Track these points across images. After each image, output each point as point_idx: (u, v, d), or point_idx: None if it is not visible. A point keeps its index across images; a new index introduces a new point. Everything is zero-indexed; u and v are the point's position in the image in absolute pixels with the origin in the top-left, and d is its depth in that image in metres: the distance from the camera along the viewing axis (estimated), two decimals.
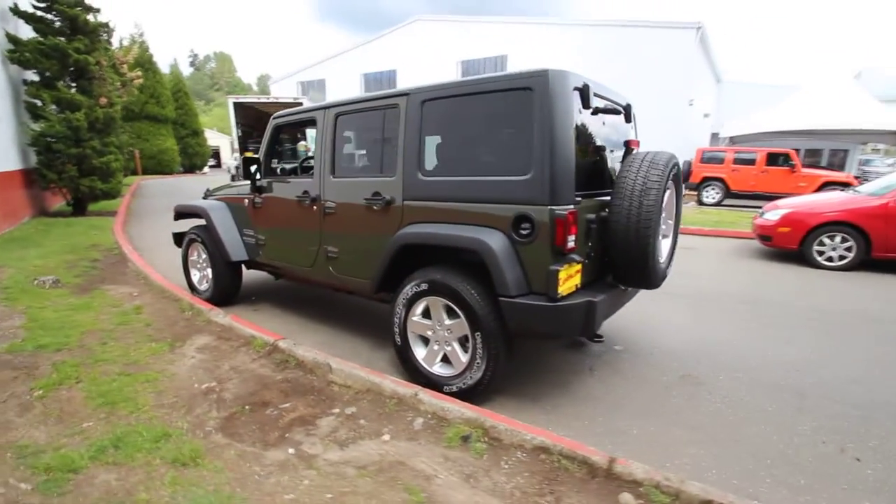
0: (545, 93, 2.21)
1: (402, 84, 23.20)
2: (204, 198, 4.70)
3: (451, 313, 2.60)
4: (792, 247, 6.02)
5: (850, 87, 13.34)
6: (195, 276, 4.62)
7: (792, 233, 5.98)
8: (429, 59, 21.51)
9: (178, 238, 4.72)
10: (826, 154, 21.81)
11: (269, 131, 3.74)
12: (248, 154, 3.78)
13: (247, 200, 3.98)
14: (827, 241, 5.78)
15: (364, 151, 3.23)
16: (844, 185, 10.61)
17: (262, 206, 3.80)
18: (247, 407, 2.55)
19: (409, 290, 2.69)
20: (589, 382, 2.95)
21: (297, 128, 4.72)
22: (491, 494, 1.88)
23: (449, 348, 2.65)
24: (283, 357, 3.09)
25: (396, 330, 2.81)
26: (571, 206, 2.23)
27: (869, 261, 5.63)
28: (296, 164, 4.12)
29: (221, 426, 2.37)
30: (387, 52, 23.28)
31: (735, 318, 4.16)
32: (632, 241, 2.39)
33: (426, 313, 2.72)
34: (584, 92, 2.35)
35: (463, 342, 2.61)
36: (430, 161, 2.67)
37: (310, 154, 15.57)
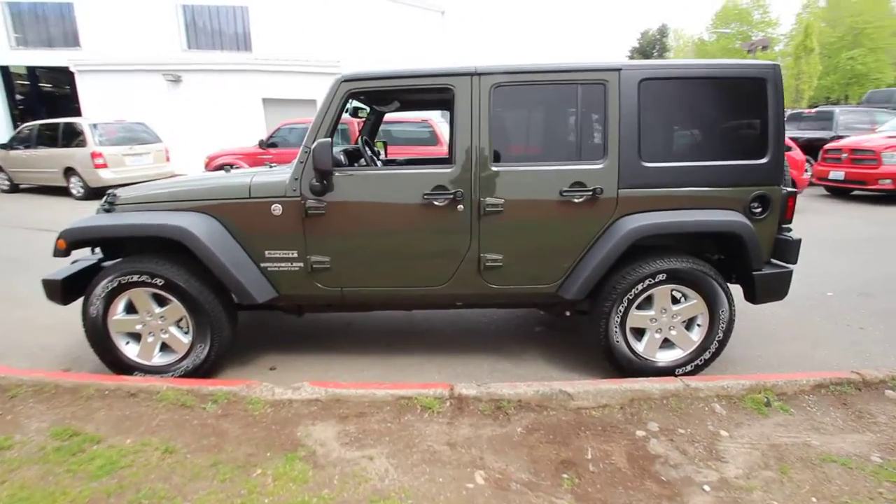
0: (777, 84, 2.47)
1: (85, 21, 16.80)
2: (107, 209, 2.70)
3: (675, 299, 2.63)
4: None
5: None
6: (131, 347, 2.70)
7: None
8: None
9: (70, 286, 2.61)
10: None
11: (335, 101, 2.48)
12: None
13: (278, 207, 2.56)
14: None
15: (545, 133, 2.63)
16: None
17: (329, 213, 2.55)
18: (565, 476, 1.95)
19: (638, 285, 2.53)
20: None
21: (394, 97, 3.11)
22: (850, 433, 2.21)
23: (674, 332, 2.68)
24: (486, 406, 2.37)
25: (616, 330, 2.61)
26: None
27: None
28: (350, 147, 2.84)
29: None
30: None
31: None
32: None
33: (643, 305, 2.64)
34: None
35: (684, 323, 2.69)
36: (651, 146, 2.50)
37: None
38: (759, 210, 2.57)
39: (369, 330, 3.52)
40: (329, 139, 2.37)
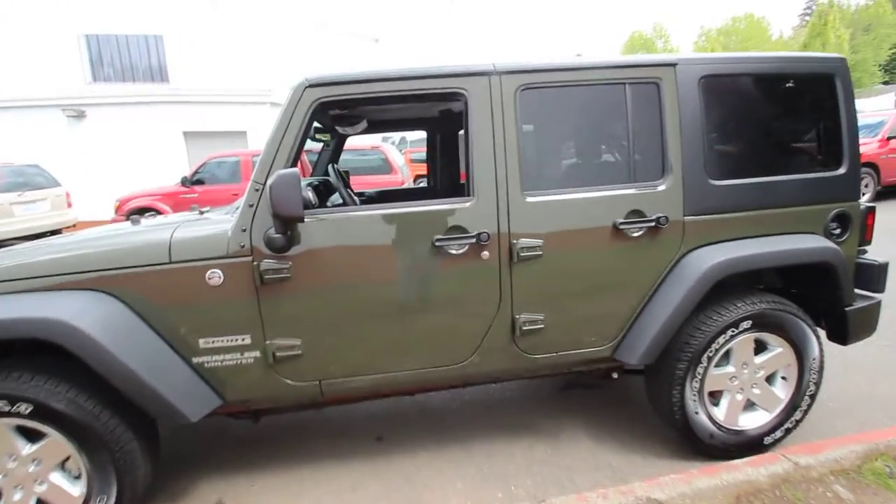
0: (846, 80, 2.05)
1: None
2: None
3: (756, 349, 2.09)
4: None
5: None
6: None
7: None
8: (24, 23, 14.21)
9: None
10: None
11: (297, 114, 1.72)
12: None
13: (217, 273, 1.73)
14: None
15: (588, 148, 2.00)
16: None
17: (297, 275, 1.75)
18: None
19: (719, 338, 1.96)
20: None
21: (374, 108, 2.27)
22: None
23: (757, 391, 2.11)
24: None
25: (695, 398, 2.00)
26: None
27: None
28: (315, 180, 2.05)
29: None
30: None
31: None
32: None
33: (724, 360, 2.06)
34: None
35: (766, 379, 2.14)
36: (718, 159, 1.97)
37: None
38: (838, 231, 2.11)
39: (349, 418, 2.67)
40: (295, 170, 1.60)
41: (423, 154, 14.48)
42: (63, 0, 14.66)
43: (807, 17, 39.27)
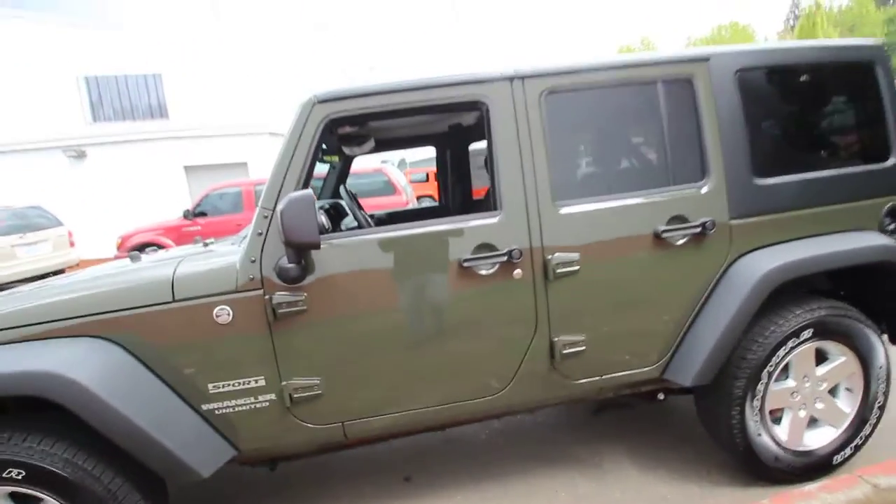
0: (886, 67, 1.93)
1: None
2: None
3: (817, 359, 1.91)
4: None
5: None
6: None
7: None
8: (25, 69, 14.43)
9: None
10: None
11: (306, 132, 1.59)
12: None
13: (225, 310, 1.57)
14: None
15: (621, 152, 1.87)
16: None
17: (313, 308, 1.60)
18: None
19: (779, 351, 1.78)
20: None
21: (386, 124, 2.17)
22: None
23: (821, 406, 1.92)
24: None
25: (756, 419, 1.81)
26: None
27: None
28: (325, 203, 1.92)
29: None
30: None
31: None
32: None
33: (783, 374, 1.88)
34: None
35: (830, 391, 1.95)
36: (762, 156, 1.83)
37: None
38: (893, 227, 1.95)
39: (373, 457, 2.47)
40: (308, 191, 1.46)
41: (423, 174, 14.47)
42: (63, 44, 14.90)
43: (791, 22, 39.79)
